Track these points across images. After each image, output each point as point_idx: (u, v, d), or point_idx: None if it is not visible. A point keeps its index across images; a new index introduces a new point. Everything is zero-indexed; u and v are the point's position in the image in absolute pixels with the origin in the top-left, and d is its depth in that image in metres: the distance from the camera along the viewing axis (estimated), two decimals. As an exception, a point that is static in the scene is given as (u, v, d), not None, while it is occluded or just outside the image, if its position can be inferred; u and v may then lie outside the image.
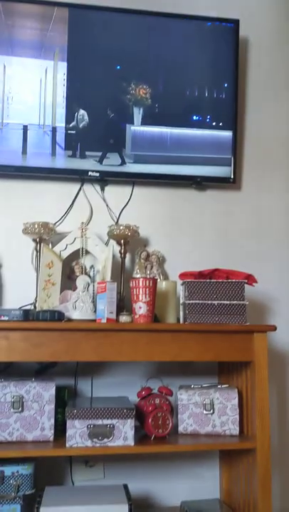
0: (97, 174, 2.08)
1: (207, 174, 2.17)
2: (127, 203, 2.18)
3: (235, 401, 1.81)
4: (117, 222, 2.14)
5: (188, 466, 2.08)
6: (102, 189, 2.17)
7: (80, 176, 2.10)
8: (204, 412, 1.80)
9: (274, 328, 1.78)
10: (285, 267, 2.30)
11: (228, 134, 2.19)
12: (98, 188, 2.17)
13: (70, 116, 2.08)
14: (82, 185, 2.15)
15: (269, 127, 2.37)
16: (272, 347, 2.21)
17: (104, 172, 2.09)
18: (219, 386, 1.88)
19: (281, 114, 2.39)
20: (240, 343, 1.76)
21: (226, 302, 1.80)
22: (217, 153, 2.18)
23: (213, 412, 1.80)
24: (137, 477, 2.03)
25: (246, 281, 1.85)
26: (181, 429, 1.80)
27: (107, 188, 2.17)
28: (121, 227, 1.98)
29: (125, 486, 1.78)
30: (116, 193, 2.18)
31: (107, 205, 2.16)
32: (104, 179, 2.13)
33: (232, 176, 2.19)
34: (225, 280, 1.83)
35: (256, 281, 1.90)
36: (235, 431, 1.79)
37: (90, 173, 2.08)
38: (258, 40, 2.39)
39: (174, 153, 2.15)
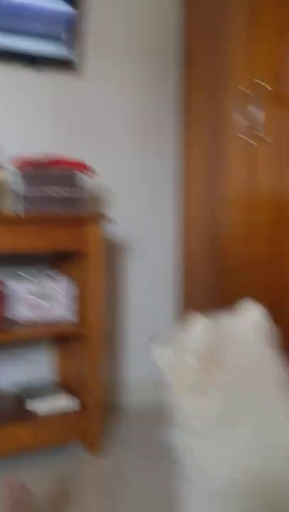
0: None
1: (44, 52, 1.99)
2: None
3: (70, 290, 1.85)
4: None
5: (23, 352, 2.12)
6: None
7: None
8: (37, 300, 1.81)
9: (108, 219, 1.81)
10: (123, 161, 2.31)
11: (68, 9, 2.01)
12: None
13: None
14: None
15: (116, 12, 2.23)
16: (106, 237, 2.26)
17: None
18: (53, 275, 1.90)
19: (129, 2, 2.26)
20: (76, 233, 1.77)
21: (62, 192, 1.76)
22: (56, 30, 2.00)
23: (47, 301, 1.82)
24: None
25: (84, 171, 1.82)
26: (14, 317, 1.80)
27: None
28: None
29: None
30: None
31: None
32: None
33: (73, 59, 2.05)
34: (62, 169, 1.77)
35: (94, 172, 1.88)
36: (70, 318, 1.85)
37: None
38: None
39: (7, 23, 1.91)
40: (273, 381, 0.89)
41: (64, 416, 1.82)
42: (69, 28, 2.02)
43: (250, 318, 0.98)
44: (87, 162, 1.87)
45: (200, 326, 0.87)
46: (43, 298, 1.81)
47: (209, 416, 0.85)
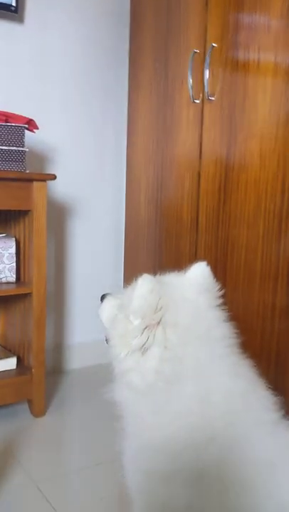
0: None
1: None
2: None
3: (13, 249, 1.79)
4: None
5: None
6: None
7: None
8: (-21, 260, 1.75)
9: (53, 177, 1.76)
10: (68, 117, 2.22)
11: None
12: None
13: None
14: None
15: None
16: (51, 197, 2.20)
17: None
18: (-4, 235, 1.83)
19: None
20: (19, 192, 1.70)
21: (4, 147, 1.68)
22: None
23: (-11, 261, 1.76)
24: None
25: (27, 126, 1.74)
26: None
27: None
28: None
29: None
30: None
31: None
32: None
33: (14, 4, 1.93)
34: (3, 123, 1.68)
35: (37, 127, 1.80)
36: (12, 278, 1.80)
37: None
38: None
39: None
40: (217, 339, 0.89)
41: (7, 376, 1.79)
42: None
43: (195, 275, 0.98)
44: (31, 116, 1.79)
45: (146, 283, 0.86)
46: (-16, 258, 1.75)
47: (149, 373, 0.86)
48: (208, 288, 0.96)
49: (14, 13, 1.95)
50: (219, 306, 0.95)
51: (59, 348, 2.32)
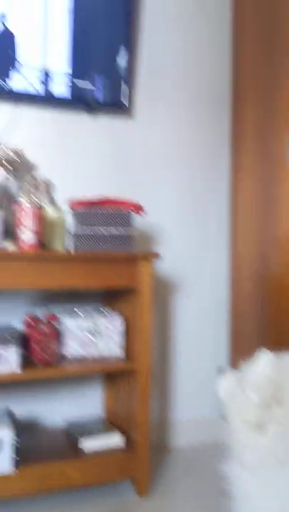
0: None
1: (99, 98, 2.10)
2: (11, 125, 2.05)
3: (119, 326, 1.88)
4: (2, 145, 2.01)
5: (74, 388, 2.15)
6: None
7: None
8: (89, 336, 1.85)
9: (157, 256, 1.84)
10: (174, 200, 2.35)
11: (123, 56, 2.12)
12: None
13: None
14: None
15: (164, 56, 2.33)
16: (156, 274, 2.29)
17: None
18: (104, 312, 1.93)
19: (175, 44, 2.35)
20: (125, 271, 1.80)
21: (113, 230, 1.81)
22: (111, 77, 2.11)
23: (98, 337, 1.85)
24: (22, 402, 2.06)
25: (135, 211, 1.87)
26: (66, 353, 1.84)
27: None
28: (7, 151, 1.87)
29: (9, 411, 1.80)
30: None
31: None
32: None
33: (126, 104, 2.15)
34: (113, 209, 1.83)
35: (144, 211, 1.92)
36: (119, 354, 1.87)
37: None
38: None
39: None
40: None
41: (112, 454, 1.81)
42: (124, 75, 2.12)
43: None
44: (140, 201, 1.93)
45: (264, 361, 0.86)
46: (94, 334, 1.85)
47: (262, 450, 0.84)
48: None
49: (127, 111, 2.17)
50: None
51: (163, 425, 2.31)
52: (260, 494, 0.84)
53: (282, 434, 0.83)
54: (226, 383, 1.00)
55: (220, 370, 1.05)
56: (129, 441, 1.88)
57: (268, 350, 0.88)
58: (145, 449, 1.82)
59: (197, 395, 2.37)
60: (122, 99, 2.14)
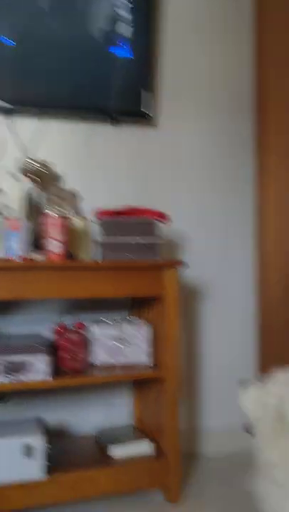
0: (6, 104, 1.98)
1: (123, 108, 2.13)
2: (38, 137, 2.10)
3: (146, 334, 1.89)
4: (28, 157, 2.06)
5: (103, 396, 2.17)
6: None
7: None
8: (117, 344, 1.86)
9: (182, 263, 1.85)
10: (199, 207, 2.36)
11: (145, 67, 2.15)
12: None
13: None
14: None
15: (185, 65, 2.35)
16: (181, 281, 2.30)
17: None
18: (131, 320, 1.95)
19: (201, 53, 2.37)
20: (151, 279, 1.82)
21: (139, 239, 1.83)
22: (133, 87, 2.14)
23: (126, 345, 1.87)
24: (52, 410, 2.09)
25: (159, 219, 1.89)
26: (95, 361, 1.87)
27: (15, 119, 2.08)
28: (35, 163, 1.92)
29: (40, 418, 1.83)
30: (23, 125, 2.09)
31: (16, 138, 2.07)
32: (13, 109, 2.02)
33: (149, 113, 2.18)
34: (138, 218, 1.85)
35: (168, 219, 1.94)
36: (147, 362, 1.89)
37: (-1, 104, 1.97)
38: None
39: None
40: None
41: (142, 461, 1.82)
42: (145, 84, 2.15)
43: None
44: (165, 209, 1.94)
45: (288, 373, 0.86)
46: (122, 342, 1.87)
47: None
48: None
49: (150, 120, 2.20)
50: None
51: (192, 433, 2.31)
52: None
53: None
54: (253, 399, 1.00)
55: (242, 383, 1.04)
56: (159, 449, 1.88)
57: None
58: (175, 456, 1.82)
59: (226, 403, 2.36)
60: (144, 109, 2.17)
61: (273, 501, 0.87)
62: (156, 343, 1.92)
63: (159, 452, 1.87)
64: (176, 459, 1.82)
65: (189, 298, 2.34)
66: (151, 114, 2.19)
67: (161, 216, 1.90)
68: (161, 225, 1.93)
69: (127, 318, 2.02)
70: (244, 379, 1.04)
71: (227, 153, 2.42)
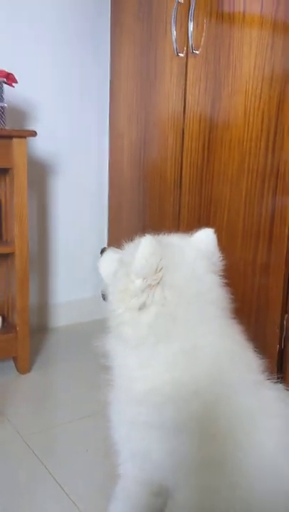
0: None
1: None
2: None
3: (-6, 208, 1.77)
4: None
5: None
6: None
7: None
8: None
9: (34, 134, 1.72)
10: (47, 67, 2.14)
11: None
12: None
13: None
14: None
15: None
16: (32, 155, 2.15)
17: None
18: (-24, 194, 1.80)
19: None
20: (-2, 148, 1.66)
21: (-19, 102, 1.63)
22: None
23: None
24: None
25: (5, 80, 1.68)
26: None
27: None
28: None
29: None
30: None
31: None
32: None
33: None
34: (-20, 77, 1.63)
35: (16, 81, 1.74)
36: (-6, 237, 1.79)
37: None
38: None
39: None
40: (210, 302, 0.91)
41: (-9, 336, 1.81)
42: None
43: (200, 240, 0.98)
44: (7, 68, 1.73)
45: (149, 245, 0.86)
46: None
47: (142, 326, 0.87)
48: (211, 254, 0.97)
49: None
50: (218, 272, 0.96)
51: (43, 307, 2.33)
52: (139, 365, 0.89)
53: (163, 314, 0.87)
54: (108, 261, 1.00)
55: (103, 251, 1.04)
56: (8, 323, 1.87)
57: (150, 235, 0.88)
58: (25, 329, 1.84)
59: (77, 277, 2.40)
60: None
61: (120, 356, 0.92)
62: (4, 217, 1.81)
63: (9, 326, 1.87)
64: (25, 330, 1.84)
65: (39, 172, 2.21)
66: None
67: (8, 77, 1.69)
68: (7, 87, 1.72)
69: None
70: (104, 247, 1.03)
71: (82, 9, 2.19)
